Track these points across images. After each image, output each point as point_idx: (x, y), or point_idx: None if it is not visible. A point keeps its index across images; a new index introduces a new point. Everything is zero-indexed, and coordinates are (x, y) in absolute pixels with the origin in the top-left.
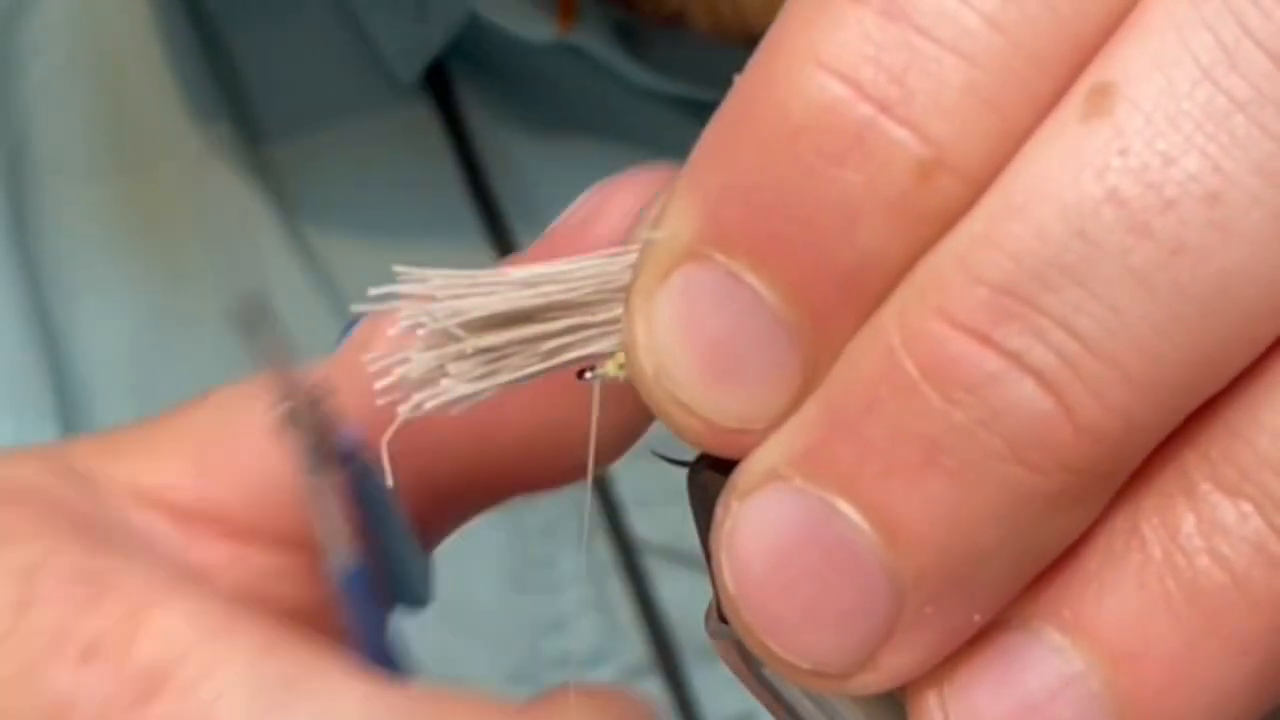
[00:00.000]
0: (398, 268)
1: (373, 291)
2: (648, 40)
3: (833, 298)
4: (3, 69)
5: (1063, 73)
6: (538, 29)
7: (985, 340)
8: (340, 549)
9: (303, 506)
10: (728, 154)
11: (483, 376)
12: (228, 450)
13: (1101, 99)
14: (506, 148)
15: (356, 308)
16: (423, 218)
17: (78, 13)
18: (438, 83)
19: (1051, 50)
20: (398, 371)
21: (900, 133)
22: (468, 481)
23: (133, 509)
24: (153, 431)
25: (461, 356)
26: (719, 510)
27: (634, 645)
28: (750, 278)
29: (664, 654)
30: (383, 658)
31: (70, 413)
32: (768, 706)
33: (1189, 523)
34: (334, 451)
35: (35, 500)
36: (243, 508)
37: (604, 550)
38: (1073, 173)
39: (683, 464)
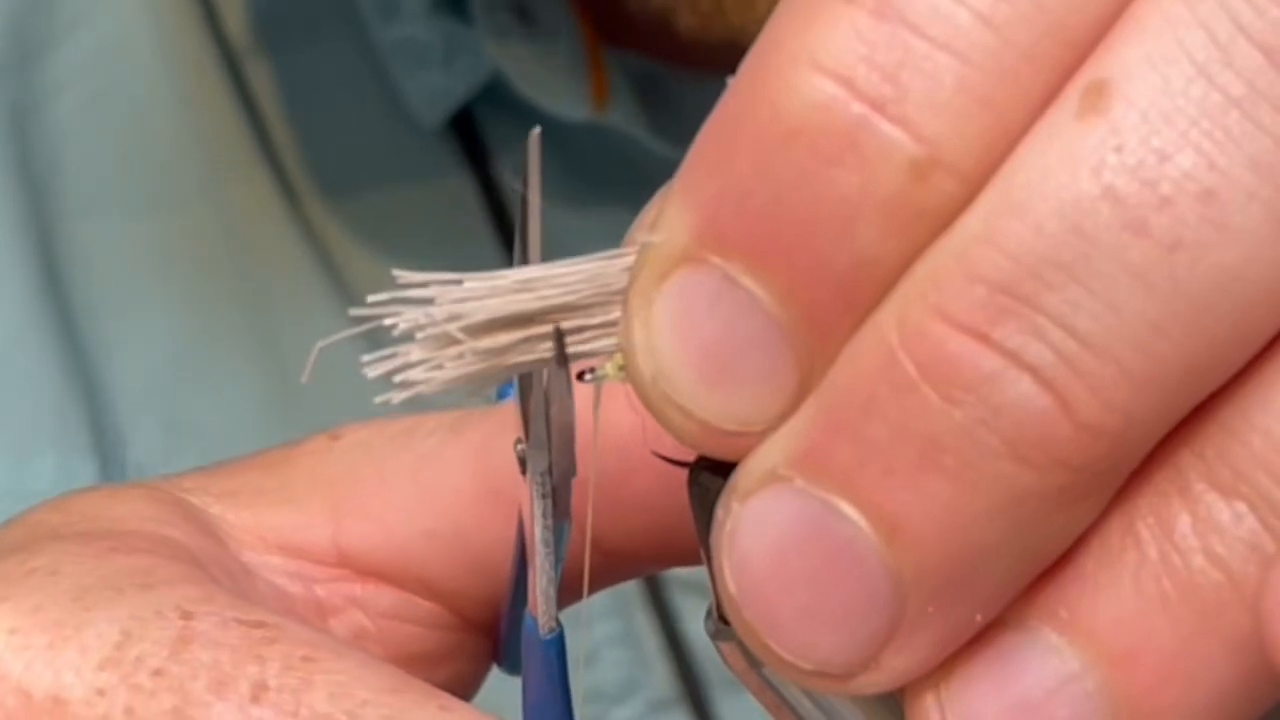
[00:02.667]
0: (396, 272)
1: (371, 299)
2: (676, 93)
3: (828, 299)
4: (25, 104)
5: (1056, 70)
6: (573, 107)
7: (984, 339)
8: (545, 614)
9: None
10: (722, 157)
11: (479, 372)
12: (362, 497)
13: (1097, 97)
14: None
15: (355, 311)
16: (450, 261)
17: (104, 49)
18: (465, 126)
19: (1044, 47)
20: (393, 365)
21: (894, 132)
22: (652, 547)
23: (248, 550)
24: (281, 477)
25: (460, 356)
26: (719, 511)
27: (662, 678)
28: (746, 280)
29: (691, 686)
30: None
31: (106, 448)
32: (770, 707)
33: (1184, 522)
34: (567, 504)
35: (170, 548)
36: (374, 552)
37: (630, 584)
38: (1069, 170)
39: (683, 465)
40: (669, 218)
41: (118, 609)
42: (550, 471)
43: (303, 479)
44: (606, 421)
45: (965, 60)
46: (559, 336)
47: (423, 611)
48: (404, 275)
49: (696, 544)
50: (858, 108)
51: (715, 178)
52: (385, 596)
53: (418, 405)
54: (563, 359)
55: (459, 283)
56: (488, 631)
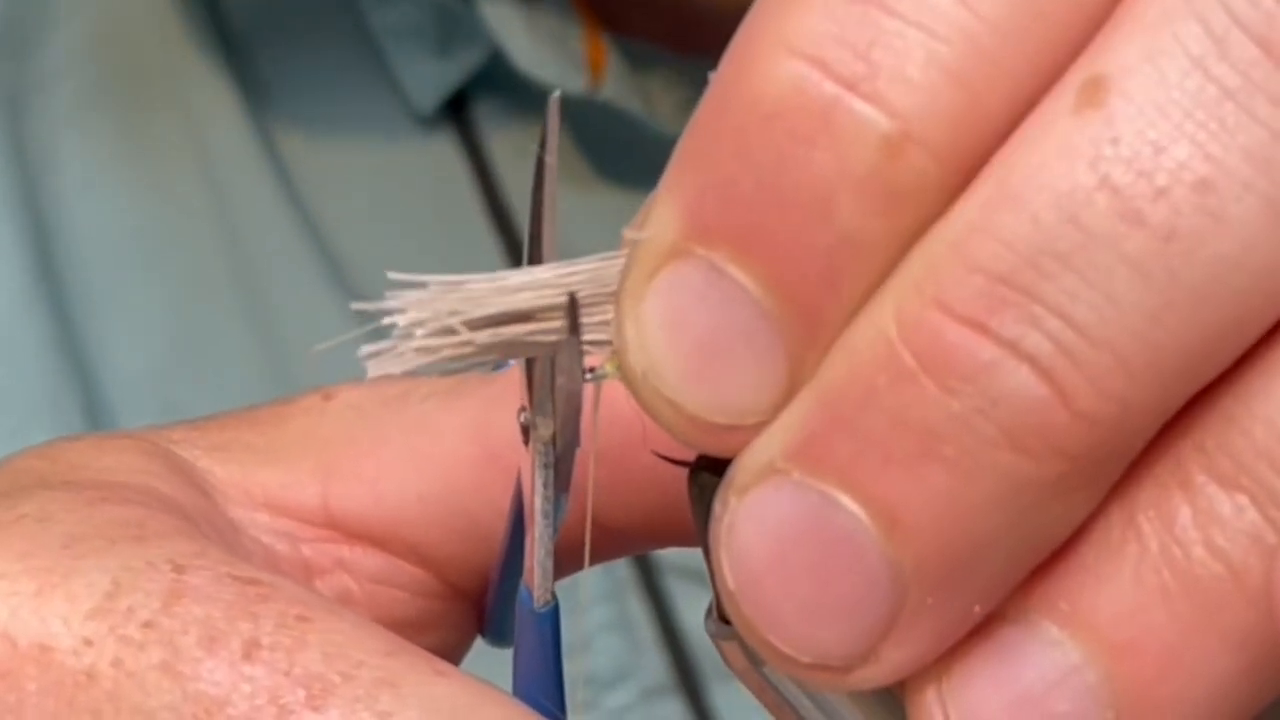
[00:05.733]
0: (393, 274)
1: (357, 305)
2: (671, 75)
3: (814, 284)
4: (21, 90)
5: (1041, 55)
6: (569, 78)
7: (981, 328)
8: (541, 587)
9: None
10: (704, 148)
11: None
12: (354, 459)
13: (1094, 91)
14: (528, 173)
15: (356, 305)
16: (445, 247)
17: (101, 36)
18: (459, 108)
19: (1022, 26)
20: (391, 358)
21: (866, 109)
22: (650, 524)
23: (236, 506)
24: (271, 435)
25: (458, 348)
26: (717, 506)
27: (655, 665)
28: (732, 270)
29: (684, 673)
30: (548, 698)
31: (101, 432)
32: (770, 707)
33: (1185, 515)
34: (568, 476)
35: (160, 501)
36: (363, 514)
37: (624, 570)
38: (1066, 162)
39: (682, 464)
40: (656, 213)
41: (108, 559)
42: (554, 441)
43: (293, 437)
44: (607, 397)
45: (935, 36)
46: (573, 304)
47: (409, 577)
48: (402, 278)
49: (694, 522)
50: (831, 87)
51: (698, 169)
52: (372, 560)
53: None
54: (575, 327)
55: (459, 282)
56: (474, 601)
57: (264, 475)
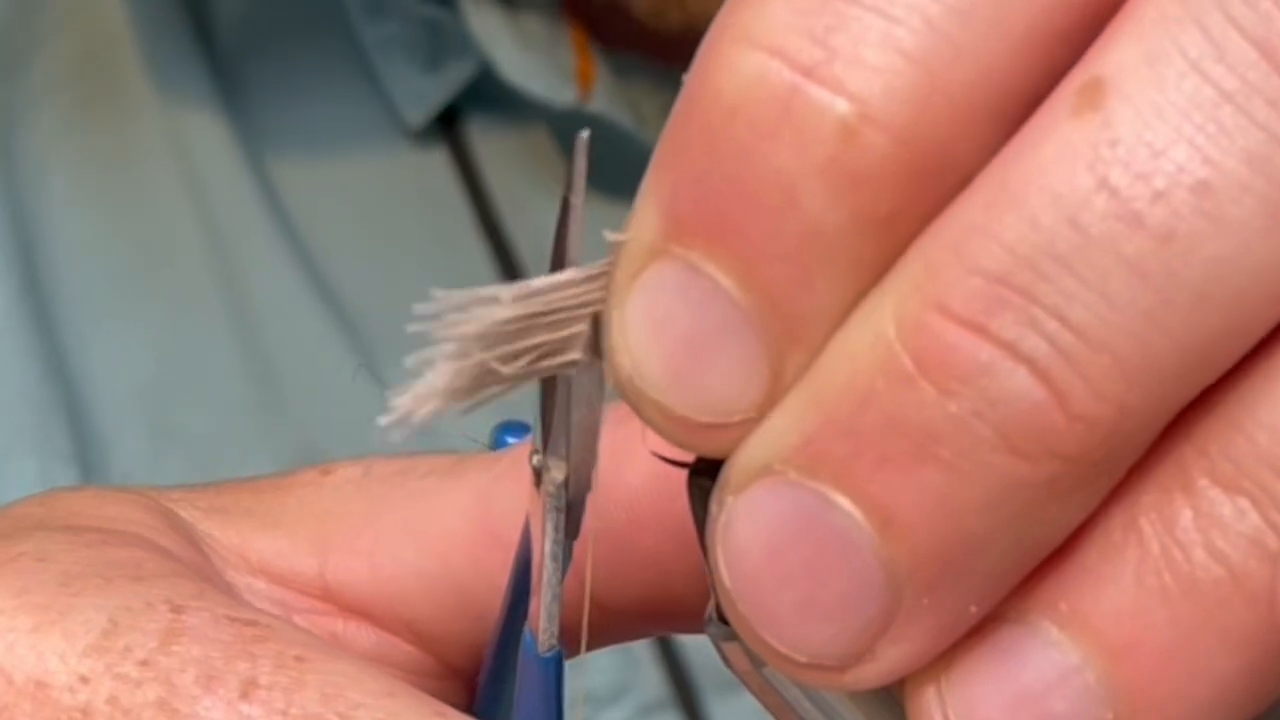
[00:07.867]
0: (418, 307)
1: (399, 324)
2: (661, 88)
3: (784, 275)
4: (11, 109)
5: (1013, 42)
6: (558, 90)
7: (980, 330)
8: (546, 632)
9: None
10: (677, 148)
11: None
12: (352, 533)
13: (1093, 94)
14: (519, 188)
15: (354, 304)
16: (436, 263)
17: (91, 52)
18: (450, 122)
19: (991, 15)
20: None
21: (823, 94)
22: (657, 608)
23: (233, 570)
24: (270, 504)
25: (479, 372)
26: (713, 506)
27: (652, 680)
28: (707, 267)
29: (682, 688)
30: None
31: (89, 455)
32: (772, 709)
33: (1186, 517)
34: (579, 521)
35: (161, 550)
36: (360, 588)
37: None
38: (1065, 164)
39: (681, 465)
40: (637, 215)
41: (106, 597)
42: (566, 485)
43: (293, 508)
44: (617, 477)
45: (892, 19)
46: (596, 325)
47: (404, 655)
48: (417, 327)
49: (702, 608)
50: (789, 76)
51: (672, 169)
52: (367, 636)
53: (412, 429)
54: (596, 348)
55: (469, 295)
56: (468, 680)
57: (262, 542)
